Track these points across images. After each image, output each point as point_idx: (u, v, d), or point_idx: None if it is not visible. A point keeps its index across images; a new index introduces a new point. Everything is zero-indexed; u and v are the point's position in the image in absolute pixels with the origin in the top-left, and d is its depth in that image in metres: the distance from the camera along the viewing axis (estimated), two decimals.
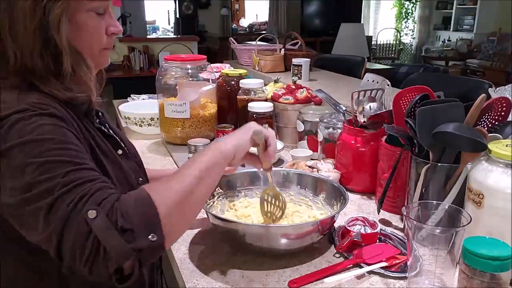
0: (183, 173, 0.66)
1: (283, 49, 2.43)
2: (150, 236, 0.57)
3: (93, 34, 0.70)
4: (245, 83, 1.56)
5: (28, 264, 0.69)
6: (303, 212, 0.97)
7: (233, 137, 0.75)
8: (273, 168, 0.89)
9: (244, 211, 0.96)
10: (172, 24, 7.65)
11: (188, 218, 0.66)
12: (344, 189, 0.94)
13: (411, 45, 8.19)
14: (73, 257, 0.56)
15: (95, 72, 0.76)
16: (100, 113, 0.81)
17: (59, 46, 0.65)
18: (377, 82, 1.21)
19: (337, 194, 0.95)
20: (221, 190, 0.99)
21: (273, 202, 0.89)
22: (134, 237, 0.56)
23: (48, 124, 0.61)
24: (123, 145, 0.82)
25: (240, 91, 1.56)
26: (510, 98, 0.84)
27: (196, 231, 0.96)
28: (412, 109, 0.89)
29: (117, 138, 0.81)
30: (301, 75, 2.11)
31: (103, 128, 0.78)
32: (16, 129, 0.59)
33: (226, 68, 1.86)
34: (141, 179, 0.84)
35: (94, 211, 0.55)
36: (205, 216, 1.00)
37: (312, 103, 1.50)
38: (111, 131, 0.81)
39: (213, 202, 0.97)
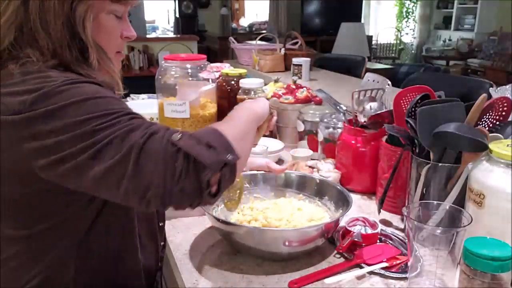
0: (240, 114, 0.74)
1: (283, 49, 2.43)
2: (228, 155, 0.60)
3: (110, 35, 0.75)
4: (245, 82, 1.56)
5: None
6: (309, 210, 0.96)
7: (261, 102, 0.82)
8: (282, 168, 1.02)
9: (248, 213, 0.96)
10: (171, 24, 7.64)
11: (246, 151, 0.71)
12: (348, 192, 0.93)
13: (412, 44, 8.17)
14: (163, 178, 0.56)
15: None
16: None
17: (84, 41, 0.70)
18: (378, 82, 1.20)
19: (341, 197, 0.94)
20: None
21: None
22: (217, 152, 0.59)
23: (99, 87, 0.65)
24: None
25: (240, 91, 1.56)
26: (511, 98, 0.83)
27: (196, 231, 0.95)
28: (413, 109, 0.88)
29: None
30: (301, 75, 2.11)
31: None
32: (68, 92, 0.61)
33: (226, 68, 1.85)
34: None
35: (178, 134, 0.59)
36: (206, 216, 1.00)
37: (312, 103, 1.49)
38: None
39: (217, 205, 0.96)
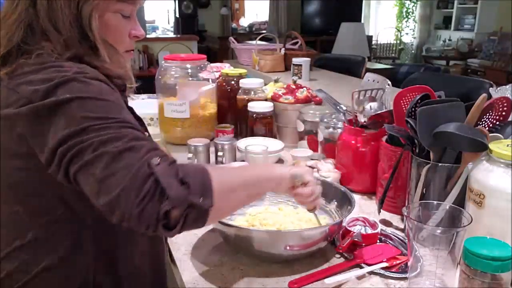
0: (240, 171, 0.72)
1: (283, 49, 2.43)
2: (201, 198, 0.59)
3: (118, 34, 0.76)
4: (245, 82, 1.56)
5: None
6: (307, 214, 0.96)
7: (286, 169, 0.77)
8: None
9: (250, 216, 0.96)
10: (171, 24, 7.64)
11: (232, 207, 0.69)
12: (351, 194, 0.93)
13: (412, 44, 8.17)
14: (127, 195, 0.56)
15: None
16: None
17: (92, 40, 0.71)
18: (378, 82, 1.20)
19: (344, 199, 0.94)
20: None
21: None
22: (189, 191, 0.58)
23: (103, 88, 0.66)
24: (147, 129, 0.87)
25: (240, 91, 1.56)
26: (511, 98, 0.83)
27: (196, 231, 0.95)
28: (413, 109, 0.88)
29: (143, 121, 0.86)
30: (301, 75, 2.11)
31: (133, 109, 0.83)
32: (77, 85, 0.63)
33: (226, 68, 1.85)
34: None
35: (158, 159, 0.59)
36: None
37: (312, 103, 1.49)
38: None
39: None
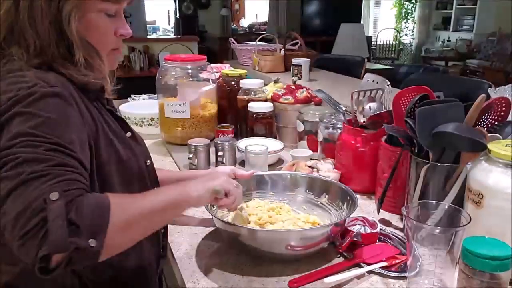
0: (149, 198, 0.68)
1: (283, 49, 2.43)
2: (90, 241, 0.56)
3: (101, 33, 0.75)
4: (245, 83, 1.56)
5: None
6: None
7: (202, 186, 0.76)
8: (279, 172, 1.04)
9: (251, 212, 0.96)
10: (172, 24, 7.65)
11: (132, 240, 0.67)
12: (353, 192, 0.94)
13: (411, 45, 8.18)
14: (15, 224, 0.55)
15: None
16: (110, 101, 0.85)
17: (71, 39, 0.70)
18: (377, 82, 1.21)
19: (345, 197, 0.94)
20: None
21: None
22: (77, 233, 0.56)
23: (54, 103, 0.65)
24: (132, 128, 0.86)
25: (240, 91, 1.57)
26: (510, 98, 0.84)
27: (196, 230, 0.96)
28: (412, 109, 0.89)
29: (126, 121, 0.85)
30: (301, 75, 2.12)
31: (113, 110, 0.82)
32: (28, 101, 0.63)
33: (226, 68, 1.86)
34: (149, 161, 0.87)
35: (57, 194, 0.56)
36: (204, 216, 1.00)
37: (312, 103, 1.50)
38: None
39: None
